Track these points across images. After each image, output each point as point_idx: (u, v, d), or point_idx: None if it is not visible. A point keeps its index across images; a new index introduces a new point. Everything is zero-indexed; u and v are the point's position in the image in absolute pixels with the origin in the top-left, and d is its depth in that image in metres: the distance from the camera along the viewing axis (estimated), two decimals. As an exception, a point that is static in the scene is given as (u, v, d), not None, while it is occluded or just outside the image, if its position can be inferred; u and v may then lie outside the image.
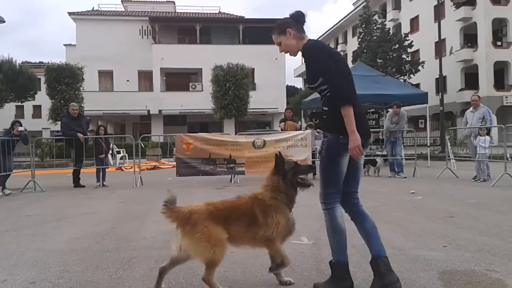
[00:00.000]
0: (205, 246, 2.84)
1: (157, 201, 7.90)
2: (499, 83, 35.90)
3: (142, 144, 13.03)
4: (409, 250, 4.08)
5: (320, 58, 3.02)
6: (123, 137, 27.96)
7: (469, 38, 37.23)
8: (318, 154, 3.47)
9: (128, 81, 37.78)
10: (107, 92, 37.30)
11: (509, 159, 11.67)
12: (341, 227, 3.07)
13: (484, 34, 35.32)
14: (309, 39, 3.19)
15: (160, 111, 36.23)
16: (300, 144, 11.33)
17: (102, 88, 38.04)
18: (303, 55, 3.12)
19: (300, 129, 13.25)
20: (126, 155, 20.33)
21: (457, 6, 36.13)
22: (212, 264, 2.88)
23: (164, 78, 38.17)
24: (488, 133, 10.60)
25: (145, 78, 38.61)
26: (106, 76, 38.39)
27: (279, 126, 13.18)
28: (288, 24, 3.16)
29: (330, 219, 3.07)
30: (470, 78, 36.72)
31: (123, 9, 42.27)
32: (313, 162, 11.66)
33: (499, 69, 35.80)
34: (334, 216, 3.06)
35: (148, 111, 36.32)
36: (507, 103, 35.00)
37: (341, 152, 3.00)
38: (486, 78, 35.24)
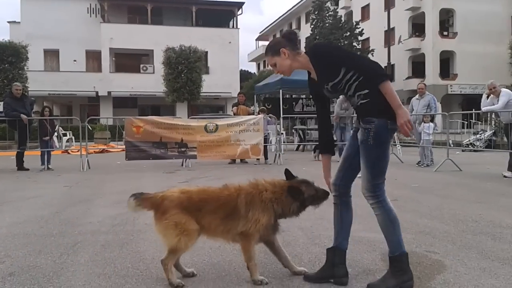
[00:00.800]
0: (171, 233, 2.78)
1: (104, 185, 7.81)
2: (444, 72, 37.32)
3: (89, 127, 12.64)
4: (354, 232, 4.14)
5: (334, 49, 2.98)
6: (70, 119, 27.02)
7: (417, 27, 38.38)
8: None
9: (75, 61, 36.40)
10: (53, 72, 35.81)
11: (452, 145, 12.22)
12: (396, 215, 2.87)
13: (432, 24, 36.49)
14: (306, 52, 3.06)
15: (109, 92, 35.22)
16: (253, 128, 11.35)
17: (48, 68, 36.48)
18: (316, 61, 2.94)
19: (253, 114, 13.27)
20: (73, 137, 19.66)
21: (406, -5, 37.17)
22: (174, 251, 2.81)
23: (113, 58, 37.04)
24: (432, 120, 11.03)
25: (93, 58, 37.31)
26: (52, 56, 36.83)
27: (232, 111, 13.15)
28: (281, 44, 3.01)
29: (386, 211, 2.84)
30: (417, 67, 37.95)
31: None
32: (265, 147, 11.77)
33: (445, 59, 37.18)
34: (389, 208, 2.85)
35: (97, 92, 35.23)
36: (451, 91, 36.49)
37: (390, 138, 2.84)
38: (432, 67, 36.53)
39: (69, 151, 16.77)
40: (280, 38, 3.07)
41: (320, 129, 3.22)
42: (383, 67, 2.90)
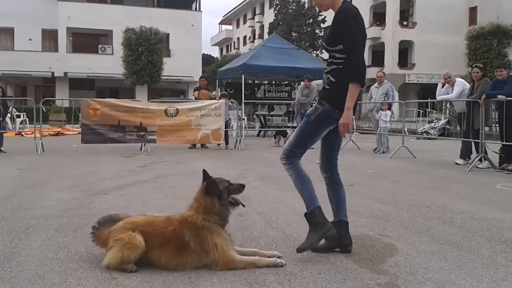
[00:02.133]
0: (114, 249, 2.77)
1: (59, 169, 7.62)
2: (402, 61, 38.19)
3: (43, 108, 12.21)
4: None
5: (355, 30, 3.01)
6: (24, 100, 26.01)
7: (378, 16, 39.00)
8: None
9: (30, 40, 34.90)
10: (7, 51, 34.21)
11: (407, 133, 12.56)
12: (307, 175, 3.17)
13: (392, 13, 37.18)
14: (345, 0, 3.11)
15: (65, 73, 34.07)
16: (214, 113, 11.27)
17: (2, 47, 34.84)
18: (339, 17, 3.04)
19: (215, 99, 13.18)
20: (27, 119, 18.98)
21: (368, -15, 37.63)
22: (119, 265, 2.76)
23: (70, 38, 35.79)
24: (389, 108, 11.29)
25: (49, 38, 35.93)
26: (6, 34, 35.20)
27: (193, 95, 13.02)
28: None
29: (297, 171, 3.15)
30: (377, 55, 38.66)
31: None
32: (226, 132, 11.74)
33: (404, 48, 38.04)
34: (299, 168, 3.16)
35: (52, 73, 34.00)
36: (408, 80, 37.44)
37: (328, 125, 3.08)
38: (391, 56, 37.31)
39: (22, 133, 16.22)
40: None
41: None
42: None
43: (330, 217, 3.25)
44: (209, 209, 2.88)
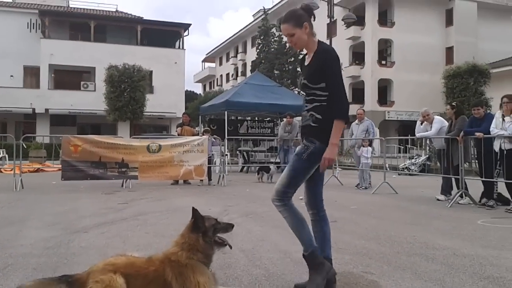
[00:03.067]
0: None
1: (39, 206, 7.46)
2: (382, 99, 38.96)
3: (24, 145, 12.04)
4: (294, 253, 4.23)
5: (338, 70, 3.10)
6: (4, 137, 25.68)
7: (357, 56, 40.00)
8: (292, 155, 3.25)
9: (12, 76, 34.78)
10: (-13, 87, 33.99)
11: (388, 169, 12.69)
12: (302, 215, 3.14)
13: (371, 53, 38.17)
14: (320, 41, 3.23)
15: (46, 110, 33.81)
16: (197, 149, 11.27)
17: (-18, 83, 34.60)
18: (322, 57, 3.10)
19: (197, 135, 13.21)
20: (6, 156, 18.67)
21: (348, 25, 38.59)
22: None
23: (52, 75, 35.72)
24: (370, 144, 11.45)
25: (31, 74, 35.81)
26: (-13, 70, 35.05)
27: (176, 131, 13.03)
28: (305, 18, 3.13)
29: (294, 213, 3.12)
30: (357, 93, 39.40)
31: (10, 0, 38.94)
32: (209, 168, 11.71)
33: (383, 86, 38.89)
34: (295, 210, 3.13)
35: (33, 109, 33.71)
36: (388, 117, 38.10)
37: (318, 162, 3.09)
38: (371, 93, 38.06)
39: (1, 169, 15.91)
40: (303, 12, 3.16)
41: None
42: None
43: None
44: (193, 246, 2.81)
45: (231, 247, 2.98)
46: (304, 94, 3.21)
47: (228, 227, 2.98)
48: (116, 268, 2.76)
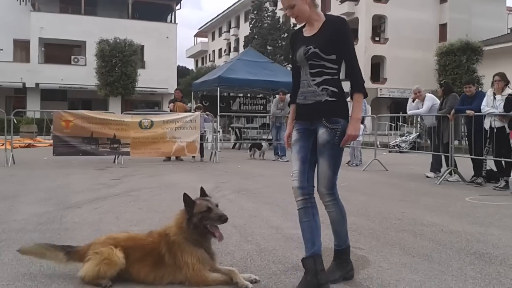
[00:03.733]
0: (91, 262, 2.74)
1: (30, 182, 7.46)
2: (374, 76, 38.91)
3: (15, 120, 11.95)
4: (285, 229, 4.30)
5: (352, 40, 2.96)
6: (-7, 111, 25.43)
7: (351, 32, 39.69)
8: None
9: (1, 50, 34.18)
10: (-24, 61, 33.50)
11: (379, 146, 12.79)
12: (345, 212, 3.04)
13: (365, 29, 37.92)
14: (328, 14, 3.03)
15: (37, 84, 33.42)
16: (189, 126, 11.24)
17: (-29, 56, 34.07)
18: (337, 27, 2.89)
19: (190, 111, 13.16)
20: (-4, 131, 18.55)
21: (342, 0, 38.36)
22: (95, 279, 2.73)
23: (43, 49, 35.20)
24: (362, 122, 11.48)
25: (21, 48, 35.24)
26: (-25, 43, 34.46)
27: (168, 107, 12.97)
28: None
29: (340, 207, 2.98)
30: (351, 70, 39.22)
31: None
32: (201, 145, 11.71)
33: (376, 63, 38.78)
34: (341, 204, 2.99)
35: (24, 84, 33.30)
36: (381, 94, 38.12)
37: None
38: (363, 70, 37.83)
39: (-9, 145, 15.79)
40: None
41: (294, 82, 3.15)
42: None
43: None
44: (181, 225, 2.84)
45: (219, 241, 2.86)
46: (304, 66, 2.94)
47: (218, 220, 2.81)
48: (117, 242, 2.82)
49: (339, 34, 2.87)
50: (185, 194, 2.86)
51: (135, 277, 2.81)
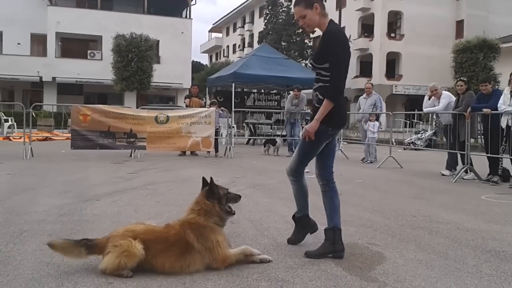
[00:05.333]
0: (111, 255, 2.82)
1: (50, 174, 7.61)
2: (390, 72, 38.64)
3: (33, 113, 12.14)
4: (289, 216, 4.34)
5: (340, 54, 3.22)
6: (12, 105, 25.82)
7: (366, 28, 39.46)
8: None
9: (19, 44, 34.68)
10: (-5, 55, 34.02)
11: (394, 143, 12.74)
12: (307, 189, 3.63)
13: (380, 25, 37.64)
14: (331, 21, 3.31)
15: (54, 78, 33.86)
16: (204, 121, 11.33)
17: (-10, 50, 34.60)
18: (327, 38, 3.24)
19: (205, 106, 13.24)
20: (15, 124, 18.85)
21: (357, -4, 38.13)
22: (116, 271, 2.81)
23: (59, 43, 35.62)
24: (377, 119, 11.46)
25: (38, 42, 35.71)
26: (-6, 37, 35.00)
27: (184, 102, 13.06)
28: None
29: (303, 186, 3.57)
30: (365, 66, 39.06)
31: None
32: (216, 140, 11.78)
33: (391, 59, 38.51)
34: (305, 183, 3.58)
35: (41, 77, 33.76)
36: (396, 91, 37.86)
37: (325, 141, 3.37)
38: (379, 67, 37.73)
39: (10, 137, 16.08)
40: None
41: None
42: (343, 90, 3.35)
43: (323, 225, 3.34)
44: (209, 212, 3.06)
45: (234, 213, 3.22)
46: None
47: (237, 197, 3.24)
48: (136, 234, 2.89)
49: (326, 46, 3.23)
50: (210, 180, 3.12)
51: (158, 269, 2.89)
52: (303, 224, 3.67)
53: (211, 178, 3.13)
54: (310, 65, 3.52)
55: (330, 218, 3.39)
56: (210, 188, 3.11)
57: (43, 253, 3.28)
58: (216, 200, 3.09)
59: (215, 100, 14.57)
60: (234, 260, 3.04)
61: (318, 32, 3.36)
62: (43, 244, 3.51)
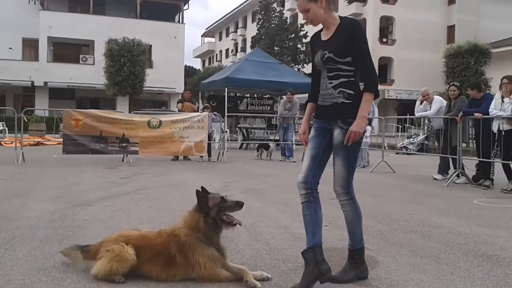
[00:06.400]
0: (103, 260, 2.80)
1: (41, 179, 7.54)
2: (382, 77, 38.80)
3: (25, 118, 12.06)
4: (294, 229, 4.34)
5: (365, 41, 2.95)
6: (3, 110, 25.64)
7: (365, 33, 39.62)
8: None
9: (10, 48, 34.51)
10: (-15, 59, 33.79)
11: (387, 148, 12.79)
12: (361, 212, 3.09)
13: (372, 30, 37.85)
14: (342, 16, 3.05)
15: (45, 83, 33.70)
16: (197, 126, 11.31)
17: (-20, 55, 34.37)
18: (351, 30, 2.92)
19: (197, 111, 13.22)
20: (6, 129, 18.72)
21: (349, 1, 38.32)
22: (108, 276, 2.79)
23: (51, 48, 35.48)
24: (369, 123, 11.49)
25: (30, 47, 35.60)
26: (-15, 42, 34.77)
27: (177, 107, 13.05)
28: None
29: (356, 207, 3.04)
30: (358, 71, 39.13)
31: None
32: (209, 144, 11.76)
33: (383, 64, 38.71)
34: (357, 204, 3.06)
35: (32, 82, 33.60)
36: (388, 96, 38.03)
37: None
38: (371, 72, 37.83)
39: (1, 142, 15.95)
40: None
41: (313, 83, 3.18)
42: None
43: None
44: (194, 226, 2.87)
45: (240, 225, 2.98)
46: (323, 70, 2.99)
47: (235, 206, 2.91)
48: (128, 239, 2.88)
49: (354, 38, 2.90)
50: (197, 191, 2.91)
51: (147, 275, 2.87)
52: (360, 259, 3.05)
53: (202, 187, 2.95)
54: (326, 60, 2.94)
55: (312, 234, 2.89)
56: (197, 199, 2.89)
57: (34, 258, 3.26)
58: (204, 213, 2.86)
59: (208, 105, 14.58)
60: (225, 281, 2.84)
61: (312, 34, 3.21)
62: (34, 249, 3.50)
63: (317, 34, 3.14)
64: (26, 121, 15.11)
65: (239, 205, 2.92)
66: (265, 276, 2.95)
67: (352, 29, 2.93)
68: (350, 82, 2.93)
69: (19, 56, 35.14)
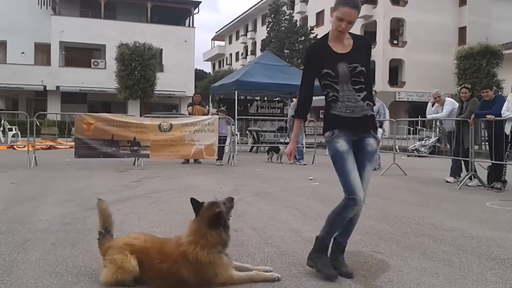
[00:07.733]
0: (107, 270, 2.81)
1: (53, 183, 7.61)
2: (393, 79, 38.65)
3: (37, 122, 12.17)
4: (304, 232, 4.33)
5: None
6: (16, 114, 25.94)
7: (369, 35, 39.37)
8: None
9: (23, 53, 34.92)
10: (-1, 64, 34.24)
11: (398, 150, 12.71)
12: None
13: (383, 32, 37.72)
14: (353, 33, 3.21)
15: (57, 87, 34.02)
16: (207, 129, 11.35)
17: (-6, 60, 34.84)
18: (367, 43, 3.18)
19: (208, 114, 13.25)
20: (19, 133, 18.93)
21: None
22: (112, 285, 2.80)
23: (63, 52, 35.82)
24: (381, 126, 11.42)
25: (42, 51, 35.93)
26: (-2, 47, 35.25)
27: (187, 110, 13.10)
28: None
29: None
30: (368, 74, 38.99)
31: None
32: (219, 148, 11.78)
33: (394, 66, 38.52)
34: None
35: (44, 86, 33.93)
36: (399, 98, 37.83)
37: None
38: (382, 74, 37.72)
39: (14, 146, 16.14)
40: None
41: (303, 97, 3.39)
42: None
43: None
44: (215, 242, 2.79)
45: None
46: (345, 83, 3.03)
47: (231, 205, 2.96)
48: (133, 250, 2.84)
49: (369, 52, 3.16)
50: (218, 212, 2.81)
51: (149, 281, 2.83)
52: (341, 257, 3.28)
53: (192, 198, 2.91)
54: (354, 71, 2.97)
55: (342, 235, 3.27)
56: (214, 217, 2.79)
57: (46, 262, 3.29)
58: (222, 226, 2.82)
59: (223, 109, 14.52)
60: (238, 283, 2.85)
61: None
62: (46, 253, 3.53)
63: (324, 45, 3.12)
64: (38, 125, 15.25)
65: (233, 201, 3.02)
66: (274, 275, 3.02)
67: (367, 43, 3.16)
68: (369, 94, 3.09)
69: (32, 60, 35.52)
